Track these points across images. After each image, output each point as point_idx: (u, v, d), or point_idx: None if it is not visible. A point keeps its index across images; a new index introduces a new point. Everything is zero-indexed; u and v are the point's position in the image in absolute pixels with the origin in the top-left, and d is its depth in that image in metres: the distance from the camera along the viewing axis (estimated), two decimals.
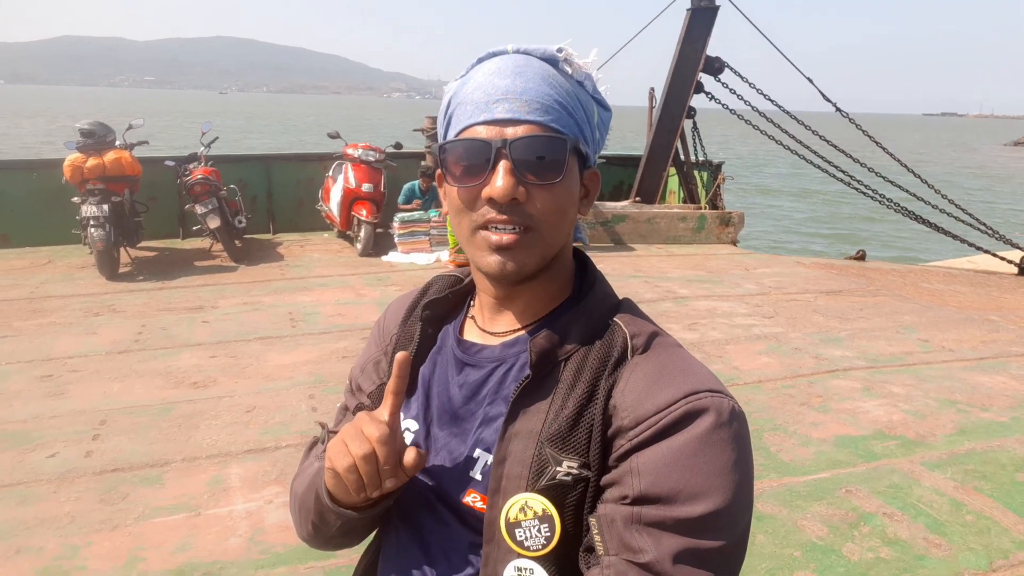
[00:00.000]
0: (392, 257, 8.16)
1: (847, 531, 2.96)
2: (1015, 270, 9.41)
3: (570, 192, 0.85)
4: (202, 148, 8.45)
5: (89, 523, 2.95)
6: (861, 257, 9.95)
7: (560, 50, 0.85)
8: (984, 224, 9.58)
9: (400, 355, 0.84)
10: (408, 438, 0.93)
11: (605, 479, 0.79)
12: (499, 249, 0.82)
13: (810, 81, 9.30)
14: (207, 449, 3.63)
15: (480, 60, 0.87)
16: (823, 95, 9.32)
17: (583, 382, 0.82)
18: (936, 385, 4.57)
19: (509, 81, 0.81)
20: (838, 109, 9.37)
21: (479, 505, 0.85)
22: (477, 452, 0.87)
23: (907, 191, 9.22)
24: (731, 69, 9.73)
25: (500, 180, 0.80)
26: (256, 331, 5.49)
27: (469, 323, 0.98)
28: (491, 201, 0.81)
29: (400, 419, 0.87)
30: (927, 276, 8.76)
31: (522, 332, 0.91)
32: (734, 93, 9.63)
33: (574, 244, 0.96)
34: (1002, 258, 9.58)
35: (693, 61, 9.63)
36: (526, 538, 0.79)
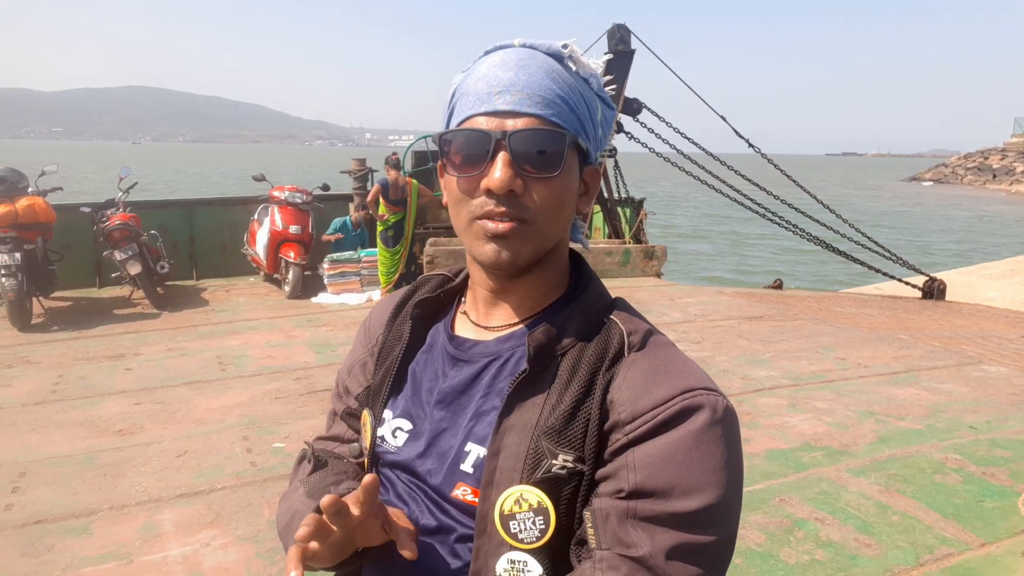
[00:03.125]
0: (322, 298, 8.07)
1: (783, 537, 3.06)
2: (919, 294, 10.01)
3: (568, 187, 0.85)
4: (120, 194, 8.22)
5: None
6: (779, 286, 10.40)
7: (565, 46, 0.85)
8: (891, 253, 10.16)
9: (368, 479, 0.79)
10: (401, 438, 0.93)
11: (600, 473, 0.79)
12: (495, 238, 0.82)
13: (723, 119, 9.77)
14: (136, 496, 3.49)
15: (487, 52, 0.87)
16: (736, 131, 9.79)
17: (580, 377, 0.82)
18: (855, 399, 4.80)
19: (512, 74, 0.82)
20: (751, 145, 9.83)
21: (469, 498, 0.84)
22: (469, 446, 0.86)
23: (822, 224, 9.68)
24: (648, 110, 10.12)
25: (498, 171, 0.80)
26: (183, 376, 5.32)
27: (461, 319, 0.98)
28: (489, 192, 0.81)
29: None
30: (840, 301, 9.21)
31: (517, 327, 0.91)
32: (652, 132, 10.01)
33: (572, 245, 0.97)
34: (907, 283, 10.17)
35: (612, 102, 9.98)
36: (520, 530, 0.79)
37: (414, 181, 7.91)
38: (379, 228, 7.77)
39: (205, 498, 3.47)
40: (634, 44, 10.02)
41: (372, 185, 8.48)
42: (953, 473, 3.69)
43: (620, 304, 0.92)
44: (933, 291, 9.89)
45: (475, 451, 0.85)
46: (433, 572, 0.87)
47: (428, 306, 1.00)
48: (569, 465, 0.79)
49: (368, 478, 0.79)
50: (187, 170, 73.84)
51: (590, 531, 0.77)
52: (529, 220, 0.82)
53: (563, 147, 0.82)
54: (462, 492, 0.85)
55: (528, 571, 0.79)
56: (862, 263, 10.17)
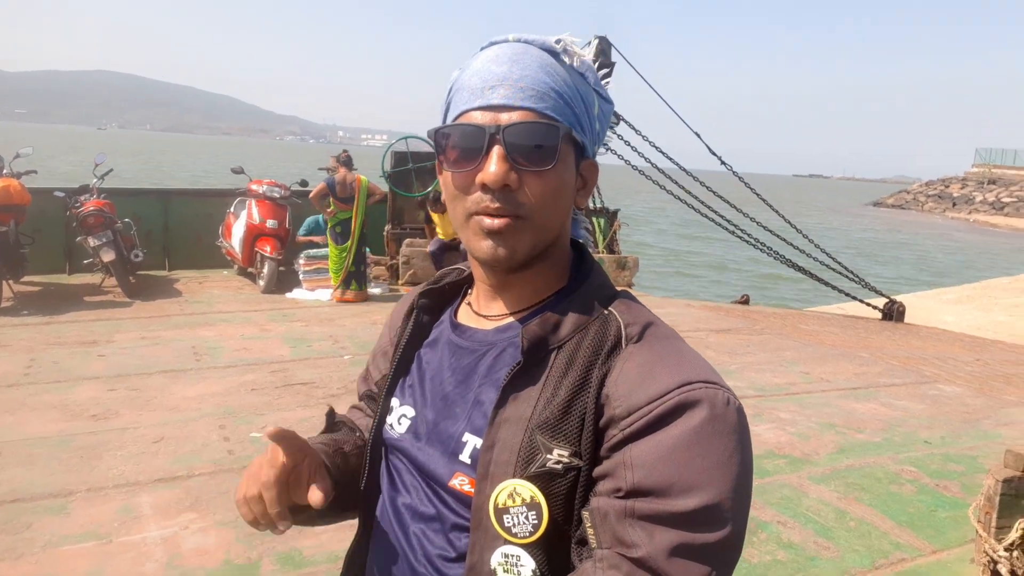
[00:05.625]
0: (296, 294, 8.07)
1: (747, 538, 3.16)
2: (879, 315, 10.31)
3: (564, 180, 0.85)
4: (95, 180, 8.15)
5: None
6: (745, 301, 10.63)
7: (559, 41, 0.86)
8: (853, 274, 10.45)
9: (270, 431, 0.84)
10: (404, 425, 0.95)
11: (598, 470, 0.77)
12: (491, 234, 0.82)
13: (697, 135, 9.98)
14: (113, 479, 3.51)
15: (482, 48, 0.88)
16: (708, 148, 10.01)
17: (575, 370, 0.81)
18: (817, 411, 4.98)
19: (506, 68, 0.82)
20: (723, 163, 10.05)
21: (466, 488, 0.84)
22: (466, 436, 0.86)
23: (789, 243, 9.91)
24: (626, 123, 10.30)
25: (493, 166, 0.80)
26: (158, 364, 5.32)
27: (465, 308, 0.99)
28: (484, 187, 0.81)
29: (288, 466, 0.87)
30: (804, 319, 9.46)
31: (515, 318, 0.91)
32: (628, 145, 10.18)
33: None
34: (868, 304, 10.47)
35: (609, 96, 10.13)
36: (514, 524, 0.78)
37: (363, 179, 7.84)
38: (328, 224, 7.91)
39: (183, 483, 3.50)
40: (614, 57, 10.21)
41: None
42: (908, 484, 3.87)
43: (623, 296, 0.91)
44: (893, 313, 10.19)
45: (472, 442, 0.85)
46: (428, 559, 0.88)
47: (434, 297, 1.02)
48: (564, 460, 0.78)
49: (270, 429, 0.84)
50: (156, 159, 72.63)
51: (589, 530, 0.76)
52: (524, 215, 0.82)
53: (557, 140, 0.82)
54: (459, 482, 0.85)
55: (521, 565, 0.78)
56: (826, 283, 10.44)
